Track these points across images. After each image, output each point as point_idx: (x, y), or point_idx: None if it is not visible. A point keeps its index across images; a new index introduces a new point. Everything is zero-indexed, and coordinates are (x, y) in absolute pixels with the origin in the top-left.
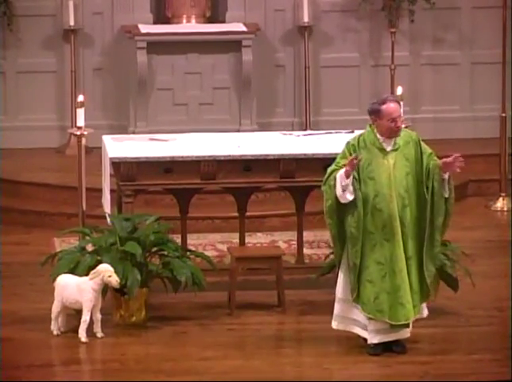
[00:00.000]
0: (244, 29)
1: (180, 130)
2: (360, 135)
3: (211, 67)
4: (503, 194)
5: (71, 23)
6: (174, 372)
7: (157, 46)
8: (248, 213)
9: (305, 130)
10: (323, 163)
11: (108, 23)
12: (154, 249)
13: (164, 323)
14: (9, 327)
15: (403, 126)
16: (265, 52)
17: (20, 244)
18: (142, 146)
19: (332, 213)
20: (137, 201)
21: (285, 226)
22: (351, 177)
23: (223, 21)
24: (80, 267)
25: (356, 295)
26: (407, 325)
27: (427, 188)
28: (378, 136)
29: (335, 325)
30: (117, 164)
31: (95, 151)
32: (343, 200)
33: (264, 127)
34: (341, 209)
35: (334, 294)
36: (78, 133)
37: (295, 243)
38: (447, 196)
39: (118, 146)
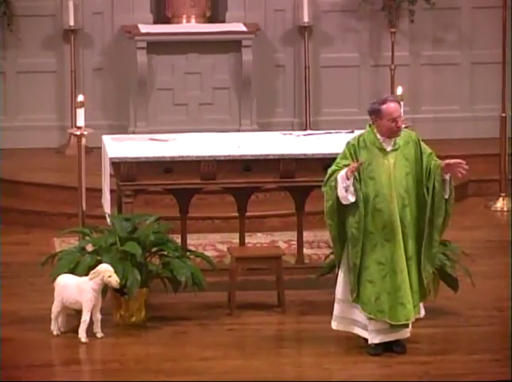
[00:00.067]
0: (244, 29)
1: (180, 130)
2: (360, 135)
3: (211, 67)
4: (503, 194)
5: (71, 23)
6: (174, 372)
7: (157, 46)
8: (248, 213)
9: (305, 130)
10: (323, 163)
11: (108, 23)
12: (154, 249)
13: (164, 323)
14: (9, 327)
15: (403, 126)
16: (265, 52)
17: (20, 244)
18: (142, 146)
19: (333, 214)
20: (137, 201)
21: (285, 226)
22: (352, 178)
23: (223, 21)
24: (80, 267)
25: (356, 295)
26: (407, 325)
27: (427, 188)
28: (378, 136)
29: (334, 325)
30: (117, 164)
31: (95, 151)
32: (344, 202)
33: (264, 127)
34: (342, 210)
35: (334, 294)
36: (78, 133)
37: (295, 243)
38: (447, 196)
39: (118, 146)
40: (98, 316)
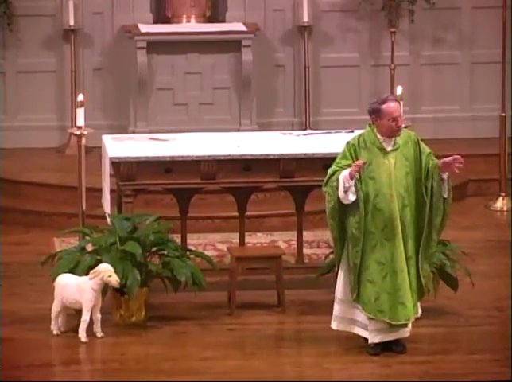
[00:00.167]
0: (244, 28)
1: (180, 130)
2: (360, 135)
3: (210, 67)
4: (503, 194)
5: (71, 23)
6: (174, 372)
7: (157, 46)
8: (248, 213)
9: (305, 129)
10: (323, 163)
11: (108, 23)
12: (154, 249)
13: (164, 323)
14: (9, 327)
15: (403, 125)
16: (265, 52)
17: (20, 244)
18: (142, 145)
19: (334, 214)
20: (137, 201)
21: (285, 226)
22: (355, 178)
23: (223, 21)
24: (80, 267)
25: (356, 295)
26: (406, 325)
27: (425, 188)
28: (379, 136)
29: (334, 325)
30: (117, 164)
31: (95, 151)
32: (345, 201)
33: (264, 127)
34: (342, 210)
35: (334, 293)
36: (78, 133)
37: (295, 242)
38: (445, 196)
39: (118, 146)
40: (98, 316)
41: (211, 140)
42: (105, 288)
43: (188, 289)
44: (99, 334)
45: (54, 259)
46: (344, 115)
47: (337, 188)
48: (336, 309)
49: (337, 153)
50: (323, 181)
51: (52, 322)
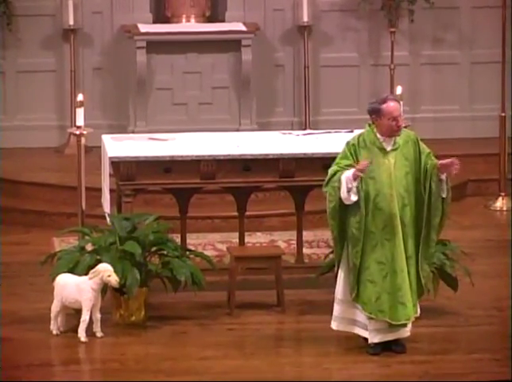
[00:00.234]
0: (243, 28)
1: (180, 129)
2: (360, 135)
3: (210, 66)
4: (503, 194)
5: (71, 23)
6: (174, 372)
7: (157, 46)
8: (247, 213)
9: (305, 129)
10: (322, 163)
11: (108, 23)
12: (154, 249)
13: (163, 323)
14: (9, 327)
15: (403, 125)
16: (265, 51)
17: (19, 244)
18: (142, 145)
19: (335, 215)
20: (137, 201)
21: (285, 226)
22: (358, 179)
23: (223, 21)
24: (80, 267)
25: (355, 295)
26: (406, 325)
27: (424, 188)
28: (378, 136)
29: (335, 326)
30: (116, 163)
31: (95, 151)
32: (347, 202)
33: (263, 127)
34: (343, 210)
35: (333, 293)
36: (77, 132)
37: (294, 242)
38: (444, 196)
39: (118, 146)
40: (98, 315)
41: (210, 140)
42: (104, 288)
43: (187, 289)
44: (99, 334)
45: (54, 258)
46: (344, 115)
47: (339, 188)
48: (336, 309)
49: (337, 153)
50: (322, 180)
51: (52, 322)
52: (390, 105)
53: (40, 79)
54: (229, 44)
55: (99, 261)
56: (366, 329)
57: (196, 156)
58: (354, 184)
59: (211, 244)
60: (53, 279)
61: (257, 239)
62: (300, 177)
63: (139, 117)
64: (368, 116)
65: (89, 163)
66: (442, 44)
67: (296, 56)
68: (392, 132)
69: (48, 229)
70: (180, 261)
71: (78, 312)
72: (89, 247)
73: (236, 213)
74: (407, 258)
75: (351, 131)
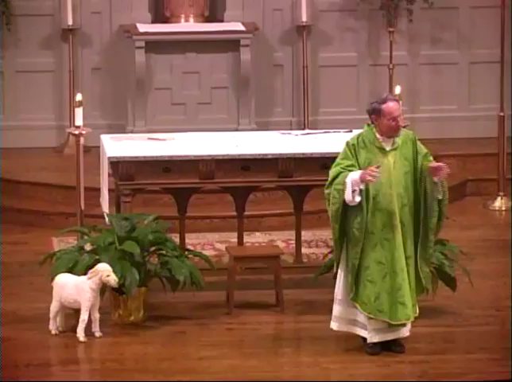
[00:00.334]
0: (242, 28)
1: (179, 129)
2: (359, 135)
3: (209, 66)
4: (501, 193)
5: (70, 22)
6: (172, 372)
7: (156, 45)
8: (246, 213)
9: (303, 129)
10: (321, 162)
11: (106, 22)
12: (153, 248)
13: (162, 322)
14: (8, 326)
15: (403, 125)
16: (264, 51)
17: (18, 244)
18: (141, 145)
19: (338, 218)
20: (136, 201)
21: (284, 225)
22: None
23: (222, 21)
24: (79, 267)
25: (354, 294)
26: (406, 324)
27: (420, 188)
28: (378, 135)
29: (335, 326)
30: (115, 163)
31: (94, 151)
32: (351, 204)
33: (262, 127)
34: (345, 212)
35: (332, 293)
36: (76, 132)
37: (293, 242)
38: (440, 197)
39: (117, 146)
40: (97, 315)
41: (209, 140)
42: (103, 288)
43: (186, 288)
44: (98, 334)
45: (52, 258)
46: (343, 115)
47: (343, 191)
48: (336, 309)
49: (336, 153)
50: (321, 180)
51: (51, 322)
52: (390, 105)
53: (39, 78)
54: (228, 44)
55: (98, 261)
56: (366, 329)
57: (195, 156)
58: (362, 186)
59: (210, 244)
60: (52, 279)
61: (256, 239)
62: (299, 177)
63: (138, 117)
64: (367, 116)
65: (88, 163)
66: (441, 44)
67: (295, 56)
68: (392, 132)
69: (47, 229)
70: (178, 261)
71: (77, 312)
72: (88, 247)
73: (235, 213)
74: (406, 258)
75: (350, 131)
